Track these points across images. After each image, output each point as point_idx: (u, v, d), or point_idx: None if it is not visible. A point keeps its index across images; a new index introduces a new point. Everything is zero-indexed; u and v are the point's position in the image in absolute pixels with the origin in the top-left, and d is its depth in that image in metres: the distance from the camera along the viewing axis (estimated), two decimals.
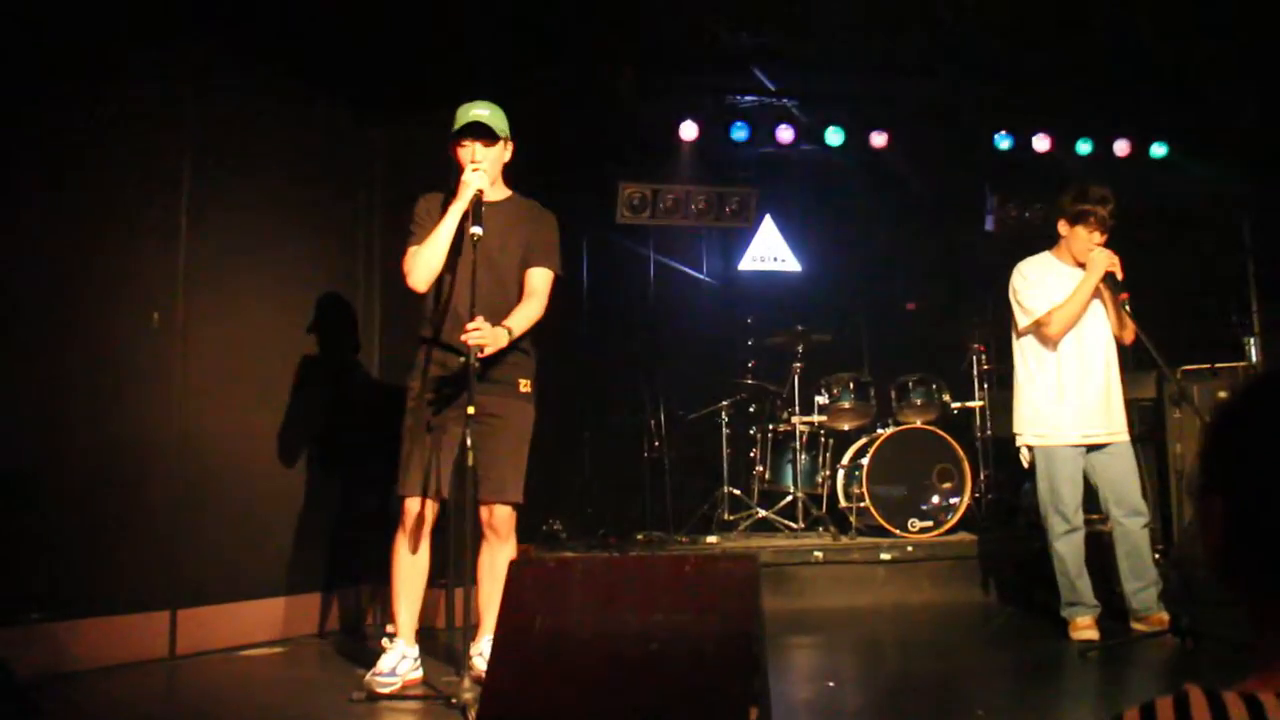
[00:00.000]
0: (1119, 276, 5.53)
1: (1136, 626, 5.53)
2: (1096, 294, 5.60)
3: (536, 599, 2.31)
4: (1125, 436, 5.65)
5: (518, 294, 4.78)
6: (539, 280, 4.81)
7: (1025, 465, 5.80)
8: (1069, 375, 5.61)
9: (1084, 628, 5.54)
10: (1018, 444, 5.80)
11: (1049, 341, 5.63)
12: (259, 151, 5.91)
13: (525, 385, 4.79)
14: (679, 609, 2.19)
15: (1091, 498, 5.73)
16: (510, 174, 4.94)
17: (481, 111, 4.71)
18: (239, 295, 5.77)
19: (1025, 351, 5.77)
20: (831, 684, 4.88)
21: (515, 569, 2.47)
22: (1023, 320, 5.72)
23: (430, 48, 6.21)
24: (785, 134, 8.61)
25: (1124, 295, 5.50)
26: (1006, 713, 4.27)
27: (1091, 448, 5.61)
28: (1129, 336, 5.63)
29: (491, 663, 2.29)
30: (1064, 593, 5.65)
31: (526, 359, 4.82)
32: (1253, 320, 8.52)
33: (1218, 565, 1.17)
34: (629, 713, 2.08)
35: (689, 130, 8.43)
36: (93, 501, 4.99)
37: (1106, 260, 5.51)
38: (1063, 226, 5.70)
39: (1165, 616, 5.38)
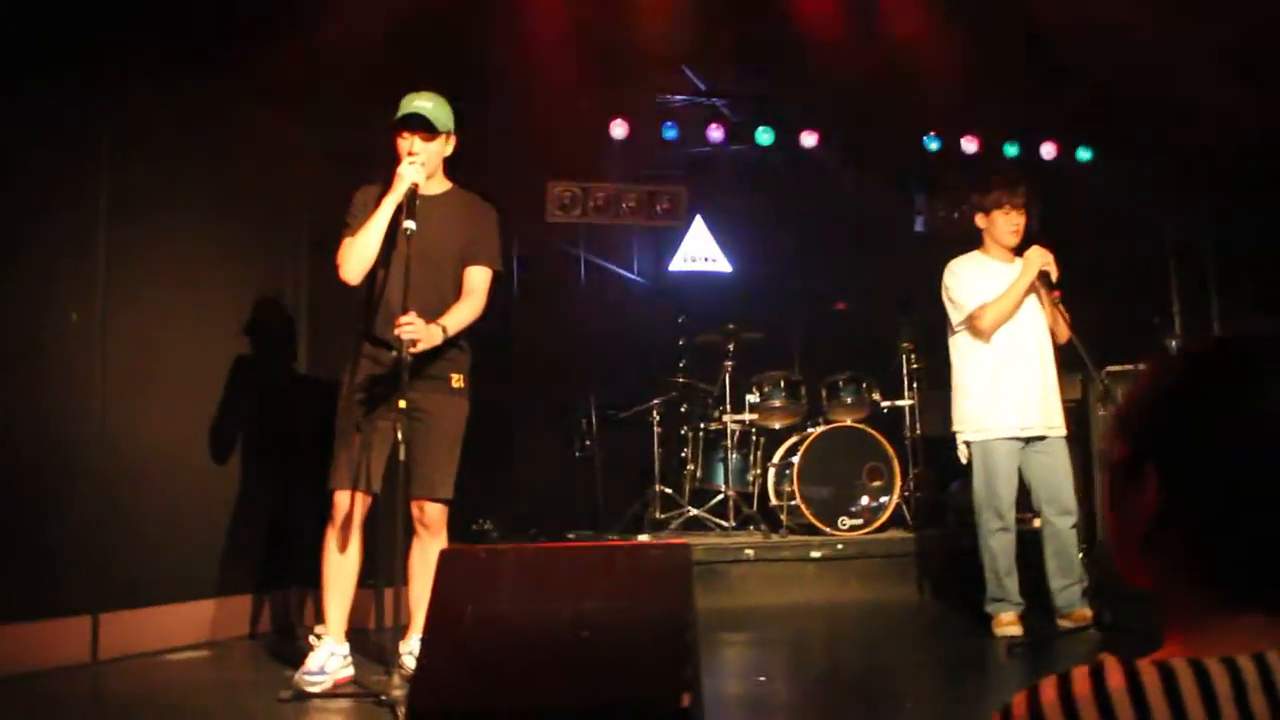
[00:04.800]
0: (1054, 274, 5.59)
1: (1061, 623, 5.59)
2: (1031, 290, 5.65)
3: (467, 589, 2.29)
4: (1062, 430, 5.70)
5: (455, 290, 4.72)
6: (478, 278, 4.75)
7: (963, 461, 5.84)
8: (1004, 370, 5.65)
9: (1007, 624, 5.60)
10: (957, 441, 5.84)
11: (982, 336, 5.67)
12: (182, 145, 5.79)
13: (458, 380, 4.73)
14: (611, 597, 2.18)
15: (1023, 495, 5.79)
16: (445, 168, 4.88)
17: (424, 104, 4.63)
18: (163, 291, 5.66)
19: (960, 348, 5.82)
20: (762, 679, 4.90)
21: (446, 559, 2.45)
22: (955, 317, 5.77)
23: (358, 43, 6.14)
24: (716, 133, 8.63)
25: (1057, 293, 5.57)
26: (934, 707, 4.31)
27: (1029, 442, 5.66)
28: (1064, 334, 5.68)
29: (422, 653, 2.27)
30: (990, 588, 5.70)
31: (461, 354, 4.76)
32: (1174, 322, 8.66)
33: (1135, 539, 1.17)
34: (561, 702, 2.07)
35: (619, 129, 8.42)
36: (12, 504, 4.87)
37: (1040, 258, 5.57)
38: (980, 220, 5.78)
39: (1088, 613, 5.46)
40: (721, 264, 9.39)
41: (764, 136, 8.64)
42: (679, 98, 8.60)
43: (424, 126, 4.62)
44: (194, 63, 5.84)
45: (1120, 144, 8.74)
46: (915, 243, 8.98)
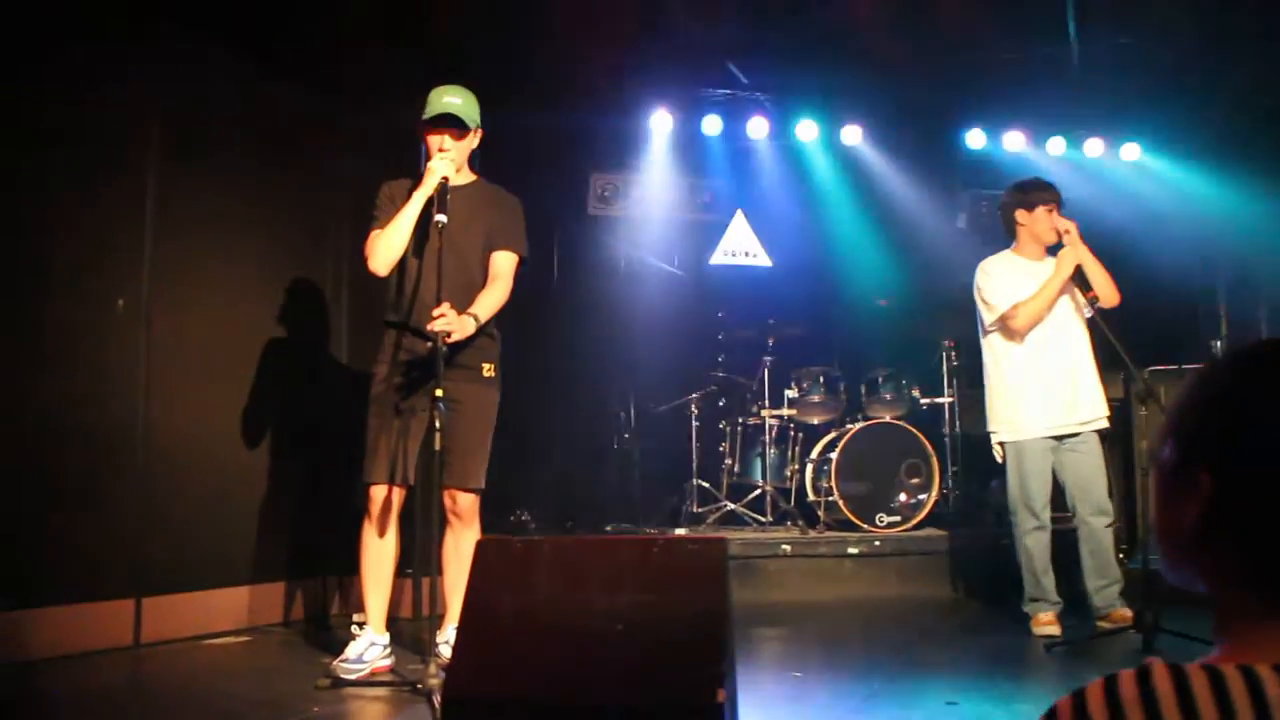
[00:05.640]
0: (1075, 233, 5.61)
1: (1100, 624, 5.56)
2: (1064, 290, 5.66)
3: (503, 580, 2.30)
4: (1099, 422, 5.67)
5: (483, 277, 4.77)
6: (503, 264, 4.81)
7: (999, 460, 5.83)
8: (1036, 369, 5.65)
9: (1045, 623, 5.59)
10: (992, 441, 5.83)
11: (1015, 335, 5.67)
12: (226, 138, 5.86)
13: (489, 369, 4.78)
14: (646, 590, 2.18)
15: (1058, 495, 5.77)
16: (480, 164, 4.93)
17: (454, 100, 4.68)
18: (205, 282, 5.73)
19: (994, 348, 5.81)
20: (798, 675, 4.89)
21: (482, 549, 2.46)
22: (988, 316, 5.77)
23: (400, 35, 6.17)
24: (757, 127, 8.60)
25: (1091, 294, 5.57)
26: (971, 706, 4.28)
27: (1061, 439, 5.64)
28: (1113, 297, 5.63)
29: (457, 642, 2.29)
30: (1028, 588, 5.69)
31: (491, 343, 4.81)
32: (1220, 323, 8.57)
33: (1185, 542, 1.16)
34: (595, 695, 2.08)
35: (661, 122, 8.40)
36: (56, 488, 4.93)
37: (1074, 258, 5.58)
38: (1021, 215, 5.78)
39: (1128, 613, 5.41)
40: (762, 259, 9.36)
41: (806, 131, 8.61)
42: (722, 91, 8.57)
43: (455, 124, 4.69)
44: (240, 52, 5.89)
45: (1167, 143, 8.64)
46: (958, 239, 8.92)
